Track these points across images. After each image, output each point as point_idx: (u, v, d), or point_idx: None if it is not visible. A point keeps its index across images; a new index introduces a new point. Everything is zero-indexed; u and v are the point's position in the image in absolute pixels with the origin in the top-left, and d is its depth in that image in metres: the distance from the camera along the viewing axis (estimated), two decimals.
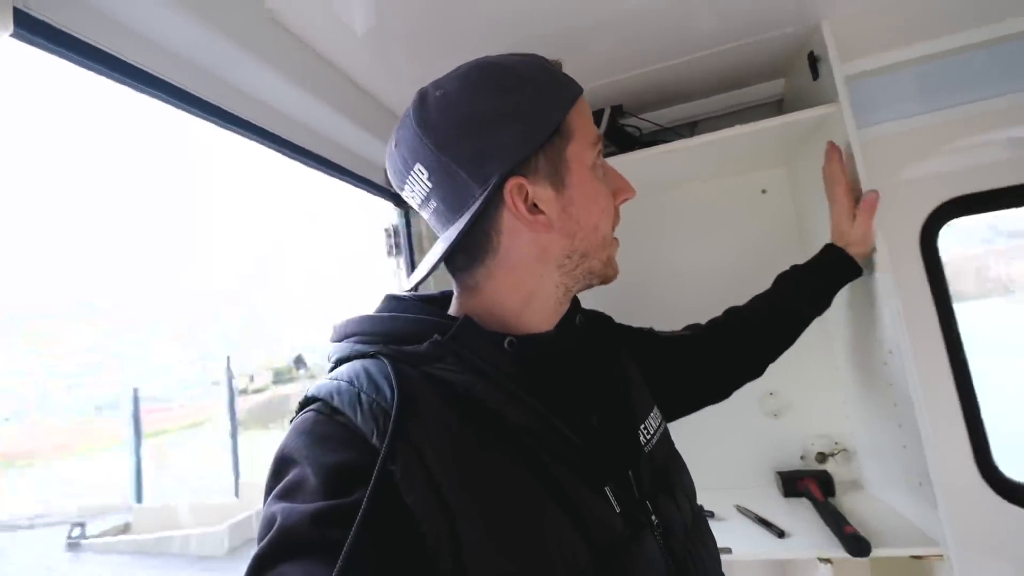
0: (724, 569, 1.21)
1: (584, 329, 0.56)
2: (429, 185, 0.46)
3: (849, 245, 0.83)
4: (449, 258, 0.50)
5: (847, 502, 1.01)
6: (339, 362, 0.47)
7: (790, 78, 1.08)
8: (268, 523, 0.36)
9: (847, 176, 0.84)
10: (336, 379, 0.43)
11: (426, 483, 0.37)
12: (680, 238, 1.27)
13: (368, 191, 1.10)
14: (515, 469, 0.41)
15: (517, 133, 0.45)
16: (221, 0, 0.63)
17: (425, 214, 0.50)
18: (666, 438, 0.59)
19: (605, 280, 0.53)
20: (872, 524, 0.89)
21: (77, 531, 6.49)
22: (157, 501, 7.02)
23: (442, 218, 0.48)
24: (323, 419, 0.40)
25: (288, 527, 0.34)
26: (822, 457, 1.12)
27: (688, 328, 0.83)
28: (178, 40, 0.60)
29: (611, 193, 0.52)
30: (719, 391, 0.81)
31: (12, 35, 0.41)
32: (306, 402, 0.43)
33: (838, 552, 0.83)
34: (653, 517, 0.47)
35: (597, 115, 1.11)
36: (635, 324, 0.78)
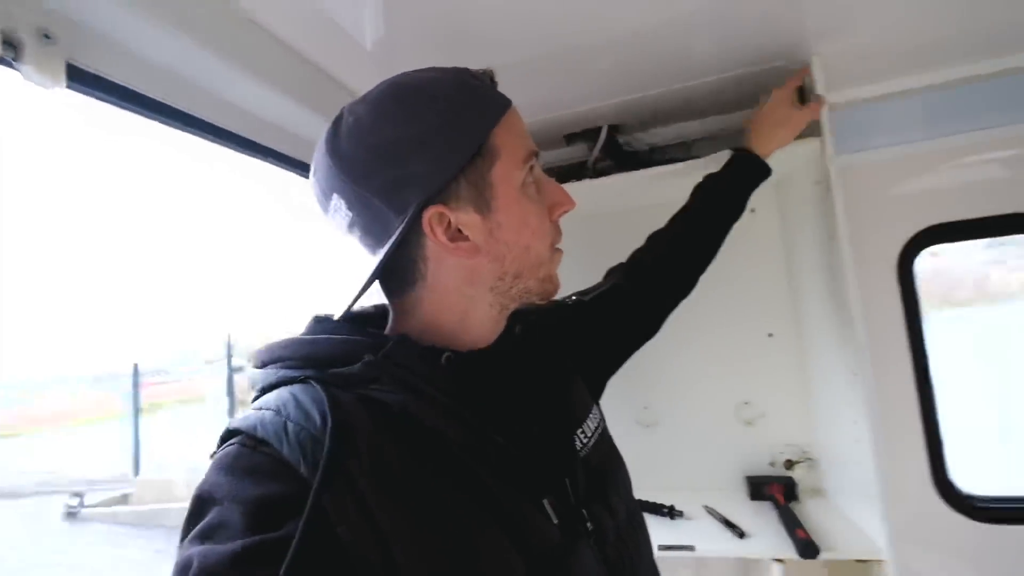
0: (690, 567, 1.29)
1: (523, 337, 0.56)
2: (349, 214, 0.45)
3: (776, 131, 0.87)
4: (382, 281, 0.49)
5: (808, 507, 1.09)
6: (264, 390, 0.44)
7: None
8: (183, 569, 0.33)
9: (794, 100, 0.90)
10: (261, 408, 0.40)
11: (359, 511, 0.36)
12: None
13: None
14: (451, 489, 0.40)
15: (433, 159, 0.43)
16: (215, 25, 0.68)
17: (353, 240, 0.48)
18: (603, 438, 0.58)
19: (544, 296, 0.52)
20: (826, 529, 0.97)
21: (75, 501, 6.63)
22: (155, 474, 7.16)
23: (367, 246, 0.46)
24: (246, 452, 0.38)
25: (207, 569, 0.32)
26: (789, 464, 1.20)
27: (610, 273, 0.81)
28: (200, 75, 0.66)
29: (547, 209, 0.50)
30: (654, 326, 0.80)
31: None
32: (227, 435, 0.41)
33: (791, 553, 0.90)
34: (588, 524, 0.47)
35: (595, 132, 1.17)
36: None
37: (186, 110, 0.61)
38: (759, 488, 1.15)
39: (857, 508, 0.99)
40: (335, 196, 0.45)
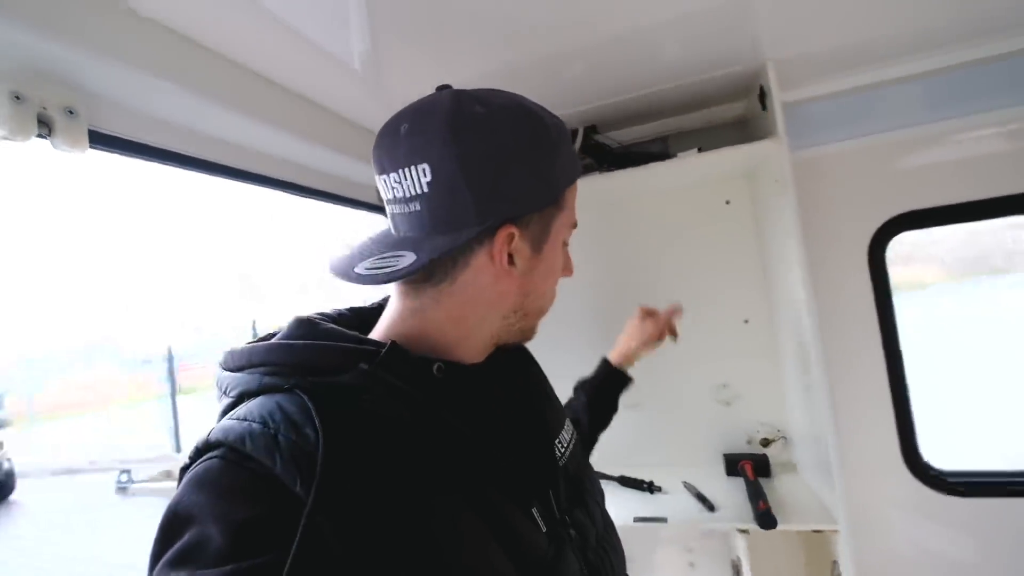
0: (666, 534, 1.39)
1: (505, 357, 0.58)
2: (424, 190, 0.43)
3: (636, 352, 0.98)
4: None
5: (779, 482, 1.17)
6: (242, 396, 0.42)
7: (749, 102, 1.16)
8: None
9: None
10: (244, 419, 0.38)
11: (358, 530, 0.34)
12: (653, 244, 1.38)
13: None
14: (445, 501, 0.39)
15: (533, 188, 0.46)
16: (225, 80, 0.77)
17: (395, 209, 0.46)
18: (578, 448, 0.61)
19: (524, 341, 0.56)
20: (789, 501, 1.05)
21: (125, 476, 7.14)
22: None
23: (417, 225, 0.45)
24: (230, 467, 0.35)
25: None
26: (765, 442, 1.27)
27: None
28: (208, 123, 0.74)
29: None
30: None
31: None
32: (206, 447, 0.37)
33: (753, 524, 0.99)
34: (572, 531, 0.49)
35: (572, 134, 1.22)
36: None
37: (195, 155, 0.71)
38: (734, 464, 1.23)
39: (820, 482, 1.07)
40: (425, 165, 0.43)
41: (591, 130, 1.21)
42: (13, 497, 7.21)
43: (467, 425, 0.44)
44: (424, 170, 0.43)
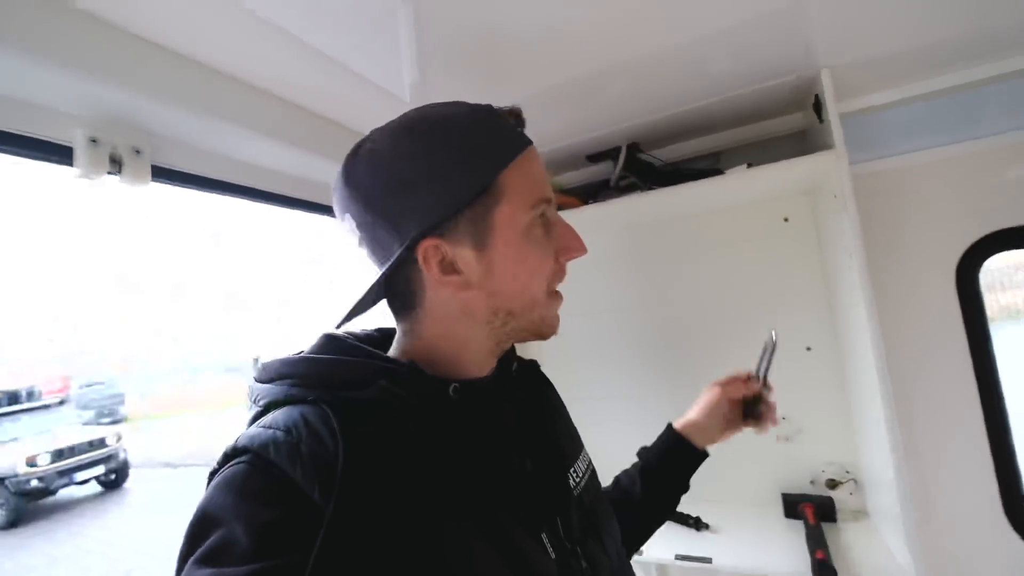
0: None
1: (519, 374, 0.58)
2: (357, 234, 0.47)
3: (708, 434, 0.80)
4: (388, 300, 0.51)
5: (845, 530, 1.05)
6: (269, 406, 0.43)
7: (807, 112, 1.08)
8: None
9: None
10: (270, 427, 0.39)
11: (374, 540, 0.36)
12: (704, 266, 1.30)
13: None
14: (459, 519, 0.40)
15: (436, 194, 0.44)
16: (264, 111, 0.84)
17: (363, 254, 0.50)
18: (594, 480, 0.59)
19: (540, 336, 0.52)
20: (855, 551, 0.94)
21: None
22: None
23: (374, 264, 0.48)
24: (256, 473, 0.37)
25: None
26: (832, 484, 1.15)
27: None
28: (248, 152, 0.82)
29: (554, 252, 0.50)
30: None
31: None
32: (234, 453, 0.39)
33: (808, 574, 0.89)
34: (583, 562, 0.48)
35: (615, 151, 1.20)
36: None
37: (248, 185, 0.79)
38: (793, 506, 1.12)
39: (894, 532, 0.94)
40: (347, 216, 0.47)
41: (634, 148, 1.18)
42: (125, 485, 8.14)
43: (480, 446, 0.45)
44: (348, 219, 0.47)
